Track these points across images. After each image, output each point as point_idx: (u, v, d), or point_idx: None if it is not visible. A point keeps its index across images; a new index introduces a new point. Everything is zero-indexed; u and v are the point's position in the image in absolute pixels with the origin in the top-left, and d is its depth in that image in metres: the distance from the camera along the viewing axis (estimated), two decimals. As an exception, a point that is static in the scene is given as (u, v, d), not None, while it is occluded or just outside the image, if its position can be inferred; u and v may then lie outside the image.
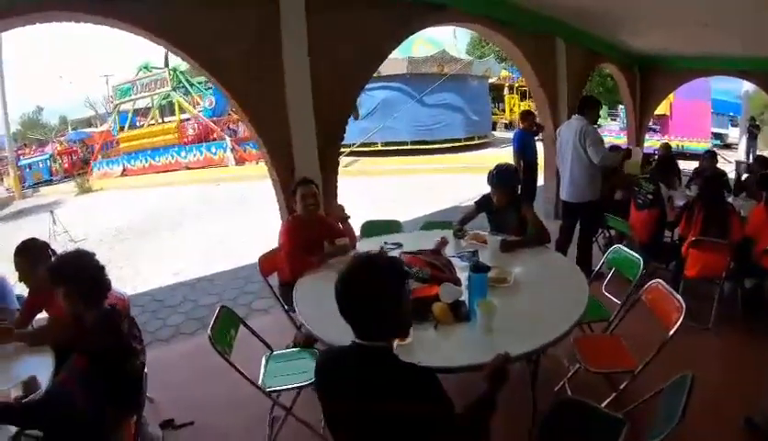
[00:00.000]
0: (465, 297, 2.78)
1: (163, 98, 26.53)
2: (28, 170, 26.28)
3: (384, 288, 1.77)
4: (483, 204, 4.37)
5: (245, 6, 4.30)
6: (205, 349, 4.66)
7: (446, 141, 18.66)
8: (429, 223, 4.94)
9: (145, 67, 25.89)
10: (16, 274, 3.48)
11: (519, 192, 4.32)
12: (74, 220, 13.18)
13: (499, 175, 4.17)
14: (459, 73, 18.81)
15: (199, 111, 24.28)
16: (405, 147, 18.53)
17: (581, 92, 9.19)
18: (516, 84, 30.42)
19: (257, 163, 21.02)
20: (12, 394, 2.49)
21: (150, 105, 27.44)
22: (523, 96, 30.24)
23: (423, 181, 13.69)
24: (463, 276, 3.05)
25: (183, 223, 11.95)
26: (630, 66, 12.11)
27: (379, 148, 18.84)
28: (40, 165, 27.38)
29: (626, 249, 3.84)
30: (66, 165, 28.20)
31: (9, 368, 2.81)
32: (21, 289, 3.72)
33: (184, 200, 14.97)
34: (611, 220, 5.28)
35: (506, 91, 30.65)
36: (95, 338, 2.49)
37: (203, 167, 22.06)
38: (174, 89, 24.75)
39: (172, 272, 7.93)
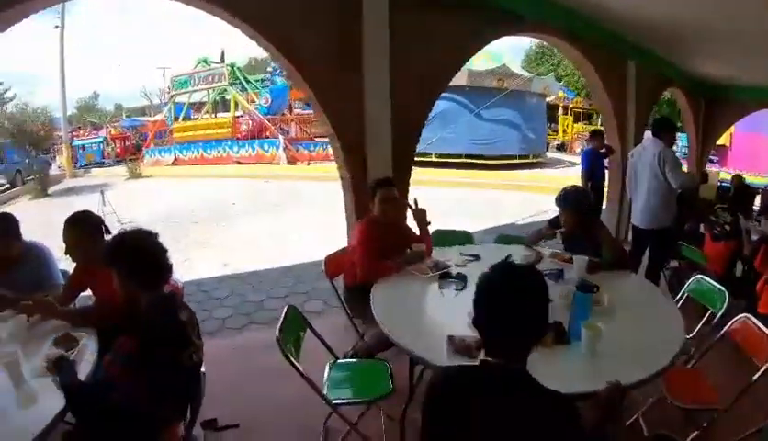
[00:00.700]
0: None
1: (219, 93, 27.07)
2: (81, 151, 27.28)
3: (544, 295, 1.62)
4: (556, 224, 4.14)
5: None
6: (253, 347, 4.56)
7: (501, 157, 18.34)
8: (503, 237, 4.67)
9: (204, 61, 26.36)
10: (64, 247, 3.33)
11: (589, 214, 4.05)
12: (123, 203, 13.38)
13: (566, 197, 3.92)
14: (518, 90, 18.48)
15: (255, 108, 24.54)
16: (459, 160, 18.25)
17: (648, 115, 9.01)
18: (571, 105, 29.98)
19: (308, 163, 21.28)
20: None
21: (205, 99, 28.08)
22: (576, 118, 29.83)
23: (477, 196, 13.44)
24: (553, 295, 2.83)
25: (233, 216, 11.97)
26: (696, 94, 11.73)
27: (433, 159, 18.52)
28: (93, 147, 28.32)
29: (708, 280, 3.59)
30: (118, 150, 29.25)
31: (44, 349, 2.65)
32: (66, 265, 3.65)
33: (234, 193, 15.03)
34: (685, 249, 4.92)
35: (560, 111, 30.11)
36: (148, 323, 2.33)
37: (254, 163, 22.23)
38: (230, 85, 25.13)
39: (221, 263, 7.91)
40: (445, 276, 3.34)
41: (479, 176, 15.89)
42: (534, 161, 19.46)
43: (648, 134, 5.46)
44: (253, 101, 24.97)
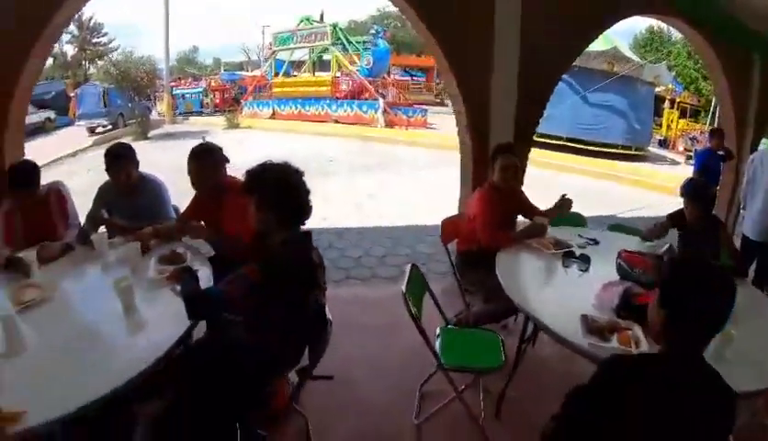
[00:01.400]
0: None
1: (320, 52, 27.41)
2: (180, 99, 28.75)
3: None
4: (676, 218, 3.87)
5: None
6: (351, 302, 4.65)
7: (603, 144, 17.43)
8: (617, 226, 4.52)
9: (306, 19, 26.72)
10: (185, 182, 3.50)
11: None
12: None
13: (695, 187, 3.74)
14: (628, 75, 17.42)
15: (356, 69, 24.71)
16: (559, 142, 17.49)
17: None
18: (678, 99, 28.38)
19: (406, 129, 21.27)
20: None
21: (305, 57, 28.55)
22: (683, 114, 28.24)
23: (573, 181, 12.86)
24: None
25: (331, 172, 12.16)
26: None
27: (548, 141, 17.44)
28: (193, 97, 29.83)
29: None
30: (217, 101, 30.62)
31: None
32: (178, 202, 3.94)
33: (332, 151, 15.24)
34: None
35: (666, 105, 28.51)
36: (283, 259, 2.32)
37: (352, 123, 22.44)
38: (332, 44, 25.41)
39: (320, 216, 8.04)
40: (568, 254, 3.32)
41: (574, 161, 15.28)
42: (636, 153, 18.36)
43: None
44: (353, 62, 25.18)
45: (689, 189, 3.71)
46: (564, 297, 2.84)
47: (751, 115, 8.05)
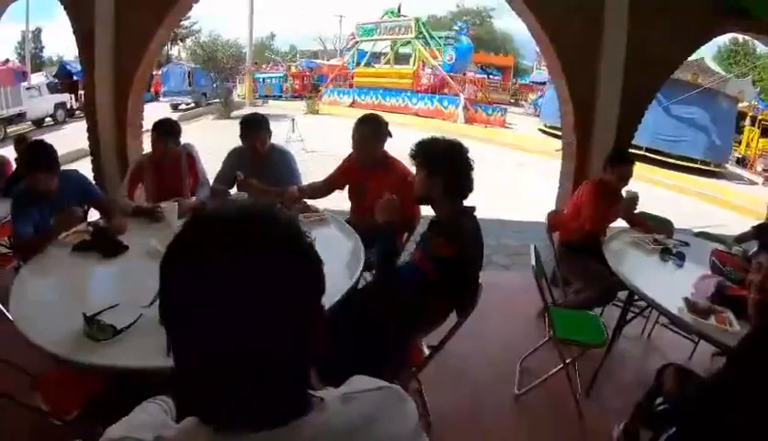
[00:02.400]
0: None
1: (402, 45, 27.98)
2: (261, 82, 30.14)
3: None
4: (762, 229, 4.33)
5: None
6: None
7: (682, 158, 17.22)
8: (701, 233, 4.85)
9: (391, 12, 27.33)
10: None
11: None
12: (304, 133, 14.95)
13: None
14: (712, 88, 17.17)
15: (438, 64, 25.12)
16: (639, 152, 16.75)
17: None
18: (760, 117, 27.39)
19: (486, 126, 21.53)
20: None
21: (385, 49, 29.37)
22: (764, 133, 27.25)
23: (649, 191, 12.93)
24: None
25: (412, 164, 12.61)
26: None
27: None
28: (274, 81, 31.20)
29: None
30: (297, 86, 31.80)
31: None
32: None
33: (413, 143, 15.72)
34: None
35: (747, 122, 27.63)
36: (467, 234, 2.46)
37: (432, 117, 22.72)
38: (415, 38, 25.87)
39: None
40: (666, 251, 3.71)
41: (652, 172, 15.32)
42: (714, 169, 18.08)
43: None
44: (435, 57, 25.53)
45: None
46: (665, 283, 3.19)
47: None
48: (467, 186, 2.55)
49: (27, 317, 2.09)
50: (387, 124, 3.64)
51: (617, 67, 4.87)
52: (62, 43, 54.16)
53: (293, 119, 15.22)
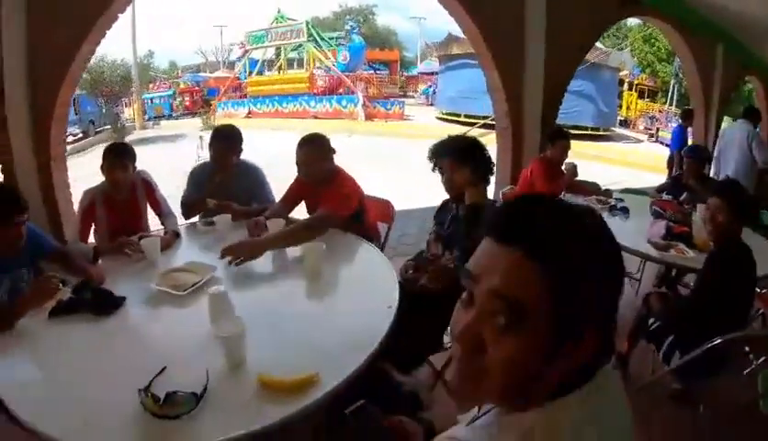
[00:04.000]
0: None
1: (293, 49, 27.79)
2: (149, 103, 28.29)
3: None
4: (678, 179, 5.03)
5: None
6: None
7: (575, 127, 17.77)
8: (626, 190, 5.60)
9: (280, 17, 27.05)
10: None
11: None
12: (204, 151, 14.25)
13: (696, 149, 5.08)
14: (597, 63, 18.43)
15: (333, 65, 25.29)
16: None
17: (729, 99, 10.05)
18: (636, 82, 29.69)
19: (386, 121, 21.82)
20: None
21: (273, 56, 29.13)
22: (641, 95, 29.55)
23: None
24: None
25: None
26: None
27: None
28: (162, 101, 29.44)
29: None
30: (187, 103, 30.22)
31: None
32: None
33: None
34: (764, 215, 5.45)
35: (626, 87, 29.76)
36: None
37: (332, 118, 22.77)
38: (307, 41, 25.82)
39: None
40: (612, 208, 4.26)
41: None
42: (604, 133, 19.71)
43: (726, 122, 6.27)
44: (328, 58, 25.64)
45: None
46: (624, 232, 3.65)
47: (715, 95, 9.41)
48: (491, 168, 2.77)
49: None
50: (329, 140, 3.48)
51: (539, 57, 5.29)
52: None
53: (200, 137, 14.68)
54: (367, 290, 2.40)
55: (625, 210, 4.18)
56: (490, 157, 2.78)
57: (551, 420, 0.73)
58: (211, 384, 1.58)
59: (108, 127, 21.05)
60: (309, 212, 3.59)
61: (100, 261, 2.87)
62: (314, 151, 3.29)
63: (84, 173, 3.83)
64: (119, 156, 3.26)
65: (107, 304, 2.22)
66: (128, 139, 18.79)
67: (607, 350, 0.79)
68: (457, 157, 2.71)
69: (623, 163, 14.16)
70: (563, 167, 4.63)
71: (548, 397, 0.74)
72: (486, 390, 0.75)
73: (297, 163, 3.33)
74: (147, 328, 2.18)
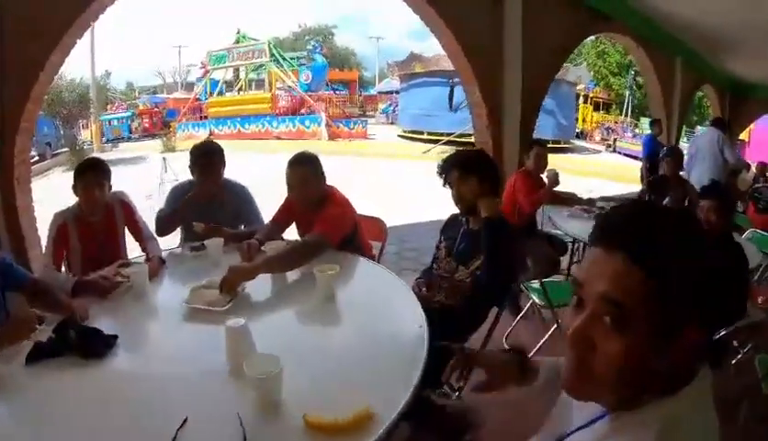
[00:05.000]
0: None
1: (254, 69, 27.68)
2: (107, 125, 27.35)
3: None
4: (655, 184, 5.17)
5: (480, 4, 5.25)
6: None
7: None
8: (603, 198, 5.87)
9: (243, 37, 26.94)
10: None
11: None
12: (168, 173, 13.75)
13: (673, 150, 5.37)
14: (555, 78, 18.83)
15: (295, 85, 25.25)
16: None
17: (687, 109, 10.66)
18: (591, 95, 30.55)
19: (350, 140, 21.82)
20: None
21: (230, 77, 29.03)
22: (596, 108, 30.44)
23: None
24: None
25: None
26: (724, 90, 13.08)
27: (472, 140, 18.67)
28: (121, 122, 28.45)
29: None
30: (147, 125, 29.40)
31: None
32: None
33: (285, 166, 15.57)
34: (739, 217, 5.77)
35: (581, 100, 30.60)
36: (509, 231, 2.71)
37: (295, 139, 22.54)
38: (269, 61, 25.69)
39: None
40: (599, 217, 4.25)
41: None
42: (564, 146, 20.32)
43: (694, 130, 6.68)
44: (290, 78, 25.58)
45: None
46: None
47: (674, 110, 9.92)
48: (498, 181, 2.75)
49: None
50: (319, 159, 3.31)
51: (517, 72, 5.38)
52: None
53: (164, 158, 14.28)
54: (390, 311, 2.25)
55: None
56: (497, 168, 2.79)
57: (663, 417, 0.78)
58: (250, 432, 1.36)
59: (66, 149, 20.16)
60: (300, 234, 3.39)
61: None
62: (307, 171, 3.12)
63: (42, 196, 3.62)
64: (96, 173, 2.99)
65: (96, 344, 1.88)
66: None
67: (712, 348, 0.84)
68: (463, 169, 2.69)
69: (586, 174, 14.54)
70: (545, 174, 4.67)
71: (657, 395, 0.80)
72: (597, 387, 0.81)
73: (288, 185, 3.14)
74: (149, 370, 1.81)
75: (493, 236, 2.54)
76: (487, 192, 2.64)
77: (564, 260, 4.64)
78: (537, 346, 3.56)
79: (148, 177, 11.88)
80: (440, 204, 7.58)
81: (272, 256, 2.75)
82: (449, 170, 2.73)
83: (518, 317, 3.73)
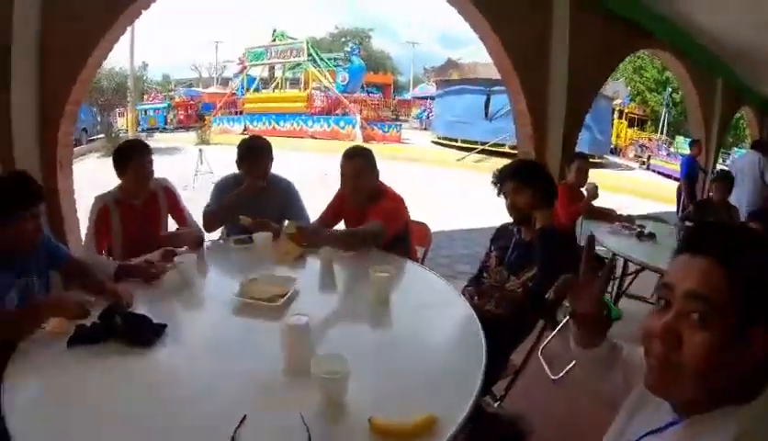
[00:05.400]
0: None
1: (291, 68, 27.91)
2: (143, 115, 27.96)
3: None
4: (702, 207, 5.23)
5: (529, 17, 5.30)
6: None
7: None
8: (643, 216, 5.71)
9: (281, 35, 27.18)
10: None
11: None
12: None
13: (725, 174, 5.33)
14: None
15: (332, 85, 25.40)
16: None
17: (726, 130, 10.58)
18: (626, 110, 30.09)
19: (384, 144, 21.73)
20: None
21: (264, 74, 29.20)
22: (630, 124, 29.94)
23: None
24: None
25: (332, 185, 12.53)
26: (764, 112, 12.94)
27: (507, 150, 18.59)
28: (157, 113, 29.22)
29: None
30: (182, 117, 30.12)
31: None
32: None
33: (320, 165, 15.38)
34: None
35: (615, 115, 30.12)
36: (567, 242, 2.72)
37: (329, 139, 22.63)
38: (307, 60, 25.86)
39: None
40: (641, 233, 4.38)
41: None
42: (598, 161, 20.02)
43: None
44: (326, 78, 25.69)
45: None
46: (655, 257, 3.85)
47: (715, 126, 9.84)
48: (553, 193, 2.71)
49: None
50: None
51: (562, 84, 5.46)
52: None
53: (200, 150, 14.38)
54: (444, 317, 2.25)
55: (652, 236, 4.33)
56: (552, 180, 2.76)
57: (738, 424, 0.84)
58: (314, 432, 1.33)
59: (101, 136, 20.52)
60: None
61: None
62: (362, 163, 3.17)
63: (77, 180, 3.73)
64: (144, 154, 2.98)
65: (145, 332, 1.83)
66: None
67: None
68: (519, 179, 2.68)
69: (619, 190, 14.42)
70: (585, 188, 4.74)
71: (730, 402, 0.87)
72: (679, 384, 0.88)
73: (342, 175, 3.20)
74: (199, 362, 1.76)
75: (548, 247, 2.54)
76: (541, 203, 2.63)
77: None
78: (575, 362, 3.47)
79: (183, 168, 12.00)
80: (472, 212, 7.69)
81: (336, 232, 2.93)
82: (504, 180, 2.73)
83: (555, 330, 3.84)
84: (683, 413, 0.94)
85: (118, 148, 3.07)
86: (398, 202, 3.21)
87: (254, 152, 3.34)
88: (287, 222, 2.93)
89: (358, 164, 3.15)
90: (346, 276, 2.70)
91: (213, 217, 3.31)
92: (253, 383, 1.60)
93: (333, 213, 3.41)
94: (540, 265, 2.57)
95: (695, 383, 0.87)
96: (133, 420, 1.40)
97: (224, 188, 3.39)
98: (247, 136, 3.52)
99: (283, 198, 3.44)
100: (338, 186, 3.32)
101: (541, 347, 3.70)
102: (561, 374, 3.49)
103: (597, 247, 4.32)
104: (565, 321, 3.82)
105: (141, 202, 3.05)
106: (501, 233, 2.97)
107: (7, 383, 1.52)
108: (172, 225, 3.27)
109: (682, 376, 0.87)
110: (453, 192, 12.69)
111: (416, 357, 1.83)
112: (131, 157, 2.93)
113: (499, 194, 2.79)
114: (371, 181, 3.19)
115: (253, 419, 1.37)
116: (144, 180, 3.00)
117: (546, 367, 3.58)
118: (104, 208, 2.93)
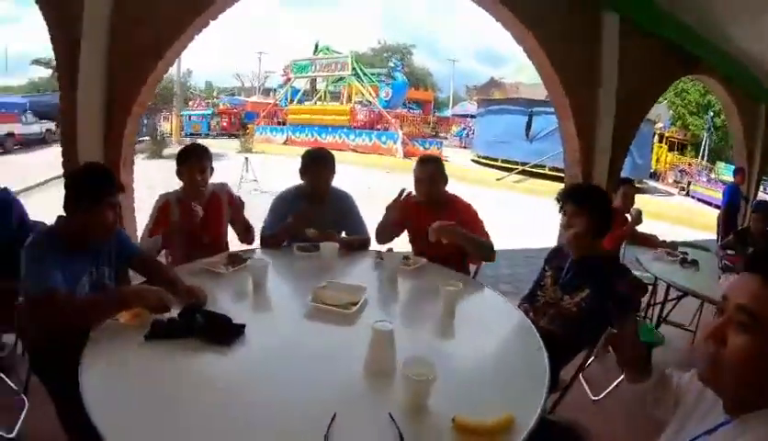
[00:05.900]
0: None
1: (334, 82, 28.42)
2: (188, 120, 28.82)
3: None
4: (743, 235, 5.19)
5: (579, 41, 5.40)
6: None
7: None
8: (686, 243, 5.57)
9: (326, 48, 27.68)
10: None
11: None
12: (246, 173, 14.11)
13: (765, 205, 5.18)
14: None
15: (375, 100, 25.71)
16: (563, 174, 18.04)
17: None
18: (667, 134, 29.51)
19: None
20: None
21: (307, 87, 29.64)
22: (671, 148, 29.38)
23: None
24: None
25: (374, 198, 12.62)
26: None
27: (546, 171, 19.26)
28: (201, 119, 30.07)
29: None
30: (225, 124, 30.85)
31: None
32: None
33: (362, 179, 15.43)
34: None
35: (655, 139, 29.53)
36: (624, 269, 2.82)
37: (370, 153, 22.92)
38: (351, 74, 26.35)
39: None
40: (683, 260, 4.44)
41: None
42: (637, 186, 19.78)
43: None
44: (370, 93, 26.04)
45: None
46: (697, 283, 3.92)
47: (758, 153, 9.79)
48: (607, 225, 2.72)
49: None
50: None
51: (611, 108, 5.60)
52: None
53: (246, 158, 14.45)
54: (507, 331, 2.37)
55: (694, 263, 4.38)
56: (609, 204, 2.78)
57: None
58: (403, 430, 1.39)
59: (147, 138, 21.17)
60: (413, 238, 3.53)
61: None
62: (436, 169, 3.34)
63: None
64: (200, 159, 3.13)
65: (226, 332, 1.89)
66: (166, 151, 19.86)
67: None
68: (576, 203, 2.70)
69: (659, 217, 14.26)
70: (629, 213, 4.86)
71: None
72: (725, 379, 1.03)
73: (417, 179, 3.33)
74: (280, 364, 1.82)
75: (604, 272, 2.61)
76: (596, 227, 2.66)
77: (643, 301, 4.69)
78: (615, 384, 3.51)
79: (227, 175, 12.26)
80: (511, 235, 7.73)
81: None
82: (566, 201, 2.78)
83: (594, 352, 3.89)
84: (733, 414, 1.07)
85: (180, 150, 3.23)
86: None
87: (318, 163, 3.37)
88: (308, 230, 3.26)
89: (433, 169, 3.33)
90: (411, 287, 2.83)
91: (270, 242, 3.33)
92: (336, 385, 1.66)
93: (397, 223, 3.45)
94: (594, 289, 2.62)
95: (735, 379, 1.00)
96: (218, 419, 1.45)
97: (286, 201, 3.44)
98: (311, 148, 3.64)
99: (340, 210, 3.48)
100: (382, 200, 3.38)
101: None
102: (602, 395, 3.56)
103: (641, 272, 4.44)
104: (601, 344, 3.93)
105: (201, 202, 3.10)
106: (555, 254, 3.02)
107: (87, 373, 1.60)
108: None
109: (723, 371, 1.01)
110: (492, 212, 12.77)
111: (485, 365, 1.97)
112: (187, 159, 3.11)
113: (560, 211, 2.84)
114: (442, 186, 3.38)
115: (342, 418, 1.42)
116: (195, 183, 3.11)
117: (586, 387, 3.62)
118: (165, 203, 3.12)
